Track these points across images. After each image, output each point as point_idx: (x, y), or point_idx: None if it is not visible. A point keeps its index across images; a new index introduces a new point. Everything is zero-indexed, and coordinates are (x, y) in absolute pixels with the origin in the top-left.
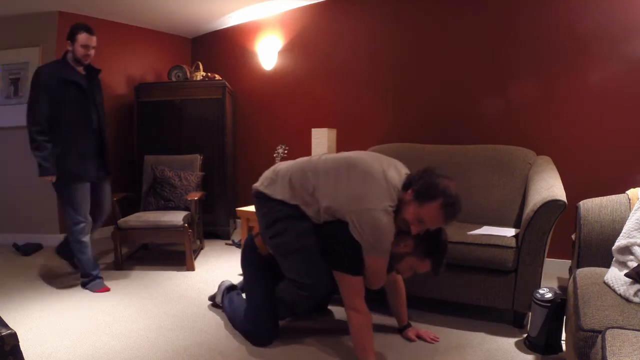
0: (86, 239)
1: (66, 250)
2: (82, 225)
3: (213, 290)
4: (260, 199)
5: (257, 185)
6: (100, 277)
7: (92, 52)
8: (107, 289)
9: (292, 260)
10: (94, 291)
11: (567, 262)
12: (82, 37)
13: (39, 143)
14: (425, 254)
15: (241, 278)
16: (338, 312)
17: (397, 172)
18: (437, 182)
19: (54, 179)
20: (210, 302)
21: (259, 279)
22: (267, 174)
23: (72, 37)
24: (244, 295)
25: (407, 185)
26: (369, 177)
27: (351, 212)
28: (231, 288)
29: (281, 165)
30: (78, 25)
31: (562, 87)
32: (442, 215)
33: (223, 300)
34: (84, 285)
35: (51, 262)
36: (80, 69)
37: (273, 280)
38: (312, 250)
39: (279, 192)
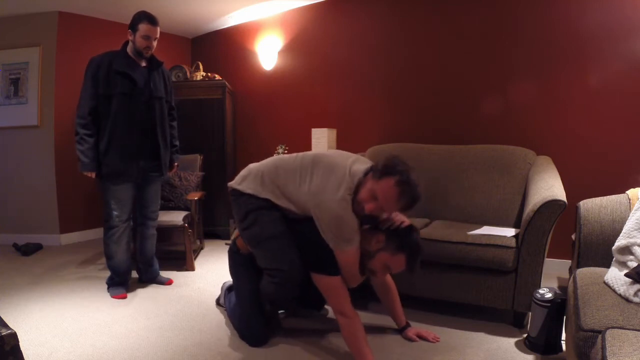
0: (118, 246)
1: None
2: (114, 229)
3: (213, 290)
4: (234, 196)
5: (231, 183)
6: (123, 284)
7: (154, 44)
8: (124, 296)
9: (263, 249)
10: (111, 296)
11: (567, 262)
12: (143, 27)
13: (80, 136)
14: (398, 248)
15: None
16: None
17: (364, 166)
18: (396, 163)
19: (93, 175)
20: (216, 304)
21: (244, 280)
22: (241, 172)
23: (133, 27)
24: None
25: (369, 169)
26: (329, 171)
27: (312, 206)
28: (231, 288)
29: (254, 164)
30: (140, 14)
31: (563, 87)
32: (397, 193)
33: (225, 300)
34: (107, 288)
35: (51, 262)
36: (141, 61)
37: (258, 280)
38: (281, 237)
39: (250, 187)
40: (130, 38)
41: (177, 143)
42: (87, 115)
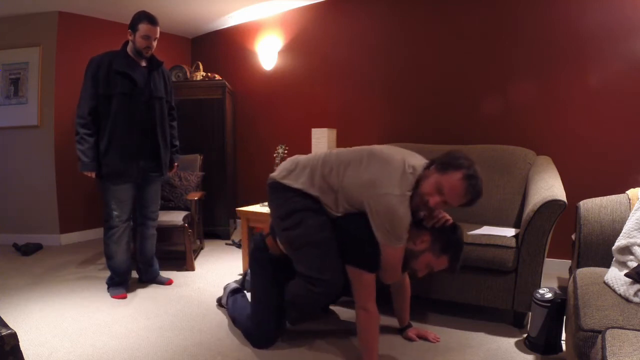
0: (118, 246)
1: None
2: (114, 229)
3: (213, 290)
4: (276, 189)
5: (274, 175)
6: (123, 284)
7: (154, 44)
8: (124, 296)
9: (307, 254)
10: (111, 296)
11: (567, 262)
12: (143, 27)
13: (80, 136)
14: (443, 250)
15: (239, 277)
16: (340, 312)
17: (418, 160)
18: (461, 156)
19: (93, 175)
20: (217, 305)
21: (269, 281)
22: (285, 164)
23: (133, 27)
24: (248, 296)
25: (429, 164)
26: (387, 164)
27: (367, 197)
28: (236, 290)
29: (301, 157)
30: (140, 14)
31: (563, 87)
32: (464, 187)
33: (227, 301)
34: (107, 288)
35: (51, 262)
36: (141, 61)
37: (283, 282)
38: (328, 244)
39: (298, 181)
40: (130, 38)
41: (177, 143)
42: (87, 115)
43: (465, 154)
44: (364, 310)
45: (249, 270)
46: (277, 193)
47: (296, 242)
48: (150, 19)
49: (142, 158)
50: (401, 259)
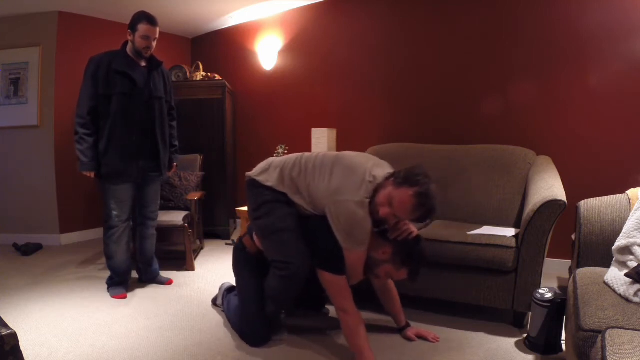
0: (118, 246)
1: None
2: (114, 229)
3: (213, 290)
4: (251, 186)
5: (250, 173)
6: (123, 284)
7: (153, 44)
8: (124, 296)
9: (273, 240)
10: (111, 296)
11: (567, 262)
12: (143, 27)
13: (79, 136)
14: (403, 263)
15: (234, 282)
16: (335, 311)
17: (382, 170)
18: (419, 173)
19: (92, 175)
20: (212, 305)
21: (248, 279)
22: (261, 164)
23: (132, 27)
24: None
25: (390, 175)
26: (350, 171)
27: (329, 203)
28: (230, 289)
29: (275, 158)
30: (140, 14)
31: (563, 87)
32: (413, 203)
33: (223, 301)
34: (107, 288)
35: (51, 262)
36: (141, 61)
37: (262, 279)
38: (292, 230)
39: (269, 180)
40: (130, 38)
41: (177, 143)
42: (86, 115)
43: (426, 171)
44: (343, 312)
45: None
46: (252, 189)
47: (266, 230)
48: (150, 20)
49: (142, 158)
50: (362, 263)
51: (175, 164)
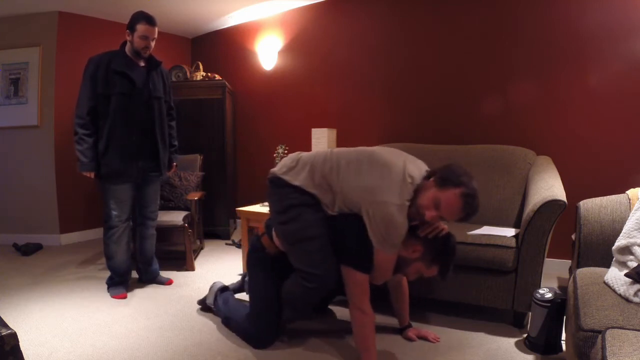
0: (118, 246)
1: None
2: (114, 229)
3: None
4: (276, 185)
5: (275, 170)
6: (123, 284)
7: (152, 44)
8: (124, 296)
9: (301, 249)
10: (111, 296)
11: (567, 262)
12: (141, 27)
13: (79, 136)
14: (434, 260)
15: (236, 279)
16: (338, 312)
17: (417, 168)
18: (461, 172)
19: (92, 175)
20: (199, 307)
21: (266, 281)
22: (287, 161)
23: (131, 27)
24: (240, 296)
25: (429, 175)
26: (388, 170)
27: (366, 203)
28: (224, 289)
29: (303, 154)
30: (138, 14)
31: (563, 87)
32: (461, 204)
33: (216, 301)
34: (107, 288)
35: (51, 262)
36: (140, 61)
37: (279, 282)
38: (322, 240)
39: (298, 179)
40: (129, 38)
41: (176, 143)
42: (85, 115)
43: (465, 169)
44: (359, 311)
45: (247, 273)
46: (277, 188)
47: (292, 237)
48: (149, 19)
49: (142, 158)
50: (393, 264)
51: (175, 163)
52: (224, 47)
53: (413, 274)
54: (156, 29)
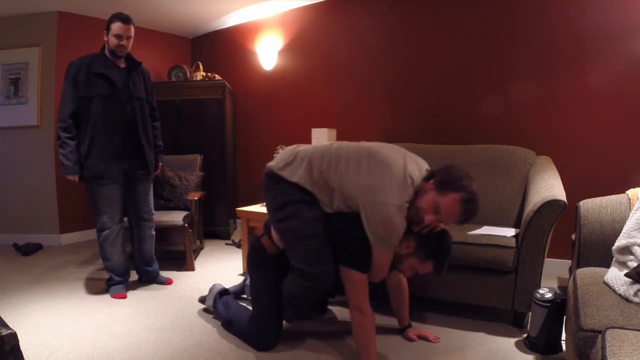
0: (113, 248)
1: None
2: (107, 232)
3: None
4: (272, 180)
5: (272, 165)
6: (123, 284)
7: (126, 42)
8: (124, 296)
9: (299, 247)
10: (111, 296)
11: (567, 262)
12: (115, 26)
13: (62, 140)
14: (427, 256)
15: (234, 282)
16: (338, 312)
17: (417, 166)
18: (462, 175)
19: (76, 178)
20: (200, 304)
21: (267, 282)
22: (284, 156)
23: (107, 27)
24: (241, 300)
25: (429, 176)
26: (388, 169)
27: (365, 203)
28: (224, 292)
29: (300, 148)
30: (114, 14)
31: (563, 87)
32: (461, 209)
33: (216, 304)
34: (107, 288)
35: (51, 262)
36: (120, 62)
37: (279, 280)
38: (320, 238)
39: (295, 175)
40: (105, 39)
41: (161, 143)
42: (67, 119)
43: (466, 171)
44: (358, 311)
45: (247, 276)
46: (273, 184)
47: (291, 234)
48: (122, 18)
49: (126, 158)
50: (389, 262)
51: (160, 163)
52: (224, 47)
53: (408, 270)
54: (131, 28)
